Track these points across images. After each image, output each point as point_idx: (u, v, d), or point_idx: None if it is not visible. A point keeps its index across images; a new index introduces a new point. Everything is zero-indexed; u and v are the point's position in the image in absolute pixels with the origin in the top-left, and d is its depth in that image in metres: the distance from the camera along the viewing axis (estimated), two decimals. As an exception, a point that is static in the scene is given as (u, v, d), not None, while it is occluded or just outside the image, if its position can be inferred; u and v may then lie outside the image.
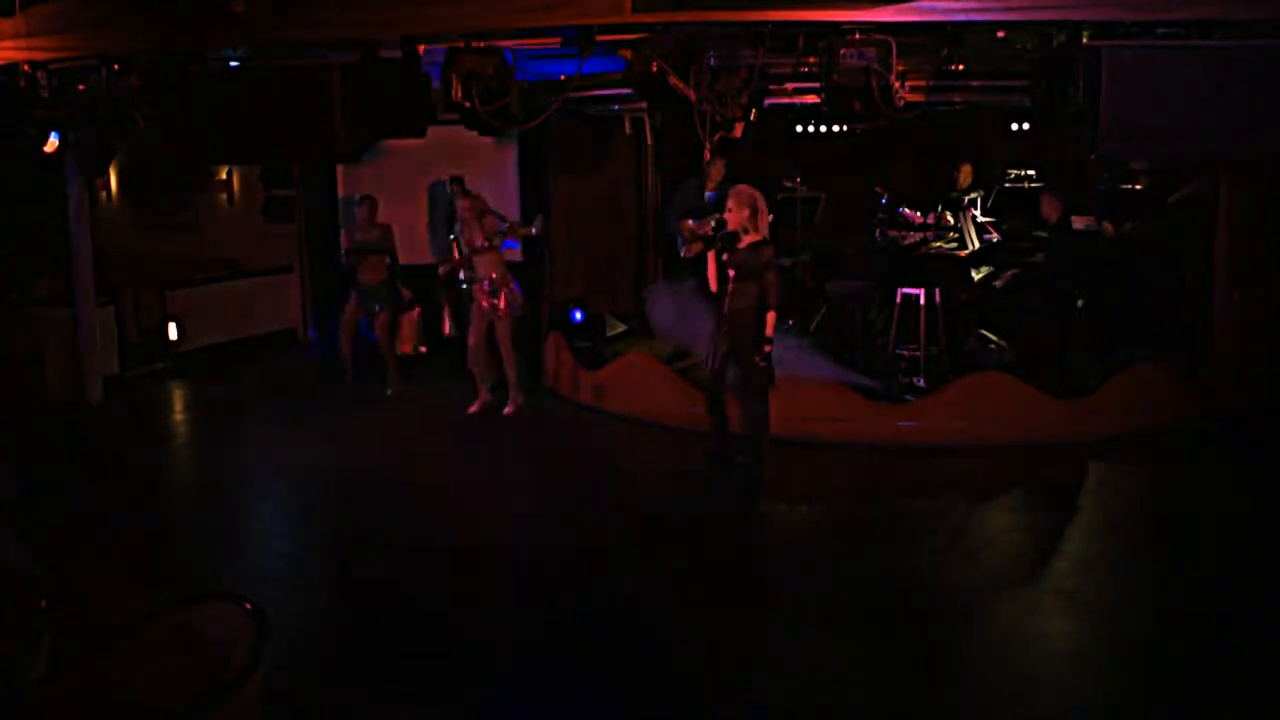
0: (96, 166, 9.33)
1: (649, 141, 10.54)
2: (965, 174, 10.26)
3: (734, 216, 6.51)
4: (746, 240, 6.54)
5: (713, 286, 6.70)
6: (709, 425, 6.97)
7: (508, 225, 8.55)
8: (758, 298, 6.50)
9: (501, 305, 8.28)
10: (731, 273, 6.52)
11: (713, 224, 6.64)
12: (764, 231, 6.58)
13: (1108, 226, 8.99)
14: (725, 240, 6.54)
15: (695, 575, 5.59)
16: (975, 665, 4.57)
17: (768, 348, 6.47)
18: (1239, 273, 8.46)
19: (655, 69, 4.74)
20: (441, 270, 9.37)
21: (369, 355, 9.33)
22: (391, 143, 8.36)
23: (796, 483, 6.76)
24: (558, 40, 5.27)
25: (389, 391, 9.18)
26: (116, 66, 5.65)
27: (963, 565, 5.62)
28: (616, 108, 9.53)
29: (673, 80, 4.77)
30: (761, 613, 5.19)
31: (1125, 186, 9.36)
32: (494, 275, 8.29)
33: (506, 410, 8.51)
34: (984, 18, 4.40)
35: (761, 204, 6.57)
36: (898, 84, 4.74)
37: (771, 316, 6.50)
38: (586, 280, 10.33)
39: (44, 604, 3.02)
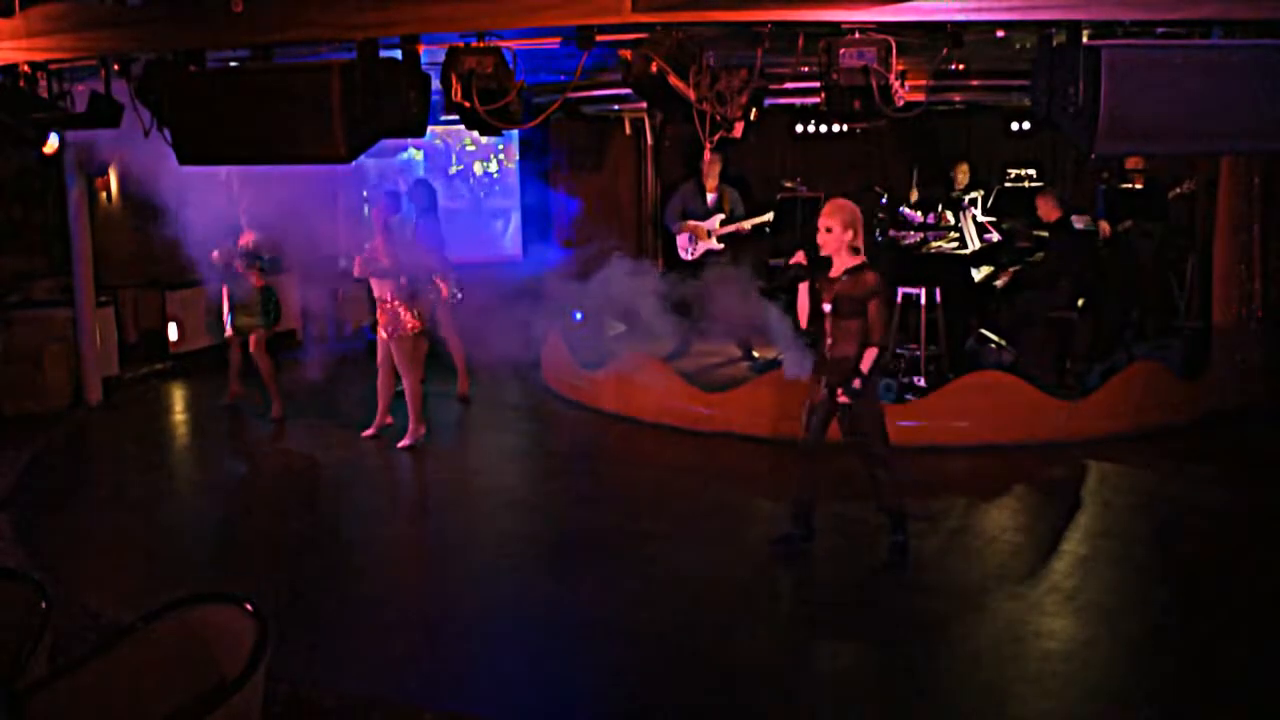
0: (96, 167, 9.33)
1: (649, 141, 10.56)
2: (963, 173, 10.28)
3: (833, 238, 5.35)
4: (843, 265, 5.38)
5: (803, 323, 5.60)
6: (796, 484, 5.84)
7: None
8: (861, 337, 5.33)
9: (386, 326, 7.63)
10: (828, 308, 5.39)
11: (793, 263, 5.44)
12: (864, 253, 5.43)
13: (1104, 225, 9.02)
14: (818, 269, 5.43)
15: (692, 576, 5.59)
16: (975, 664, 4.57)
17: (857, 382, 5.29)
18: (1237, 271, 8.47)
19: (655, 69, 4.73)
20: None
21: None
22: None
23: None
24: (558, 40, 5.27)
25: (272, 416, 8.62)
26: (117, 66, 5.64)
27: (963, 564, 5.63)
28: (616, 108, 9.55)
29: (672, 80, 4.76)
30: (760, 613, 5.20)
31: (1125, 186, 9.38)
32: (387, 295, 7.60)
33: (401, 443, 7.73)
34: (984, 17, 4.39)
35: (860, 219, 5.43)
36: (897, 84, 4.72)
37: (871, 353, 5.31)
38: None
39: (44, 604, 3.02)
